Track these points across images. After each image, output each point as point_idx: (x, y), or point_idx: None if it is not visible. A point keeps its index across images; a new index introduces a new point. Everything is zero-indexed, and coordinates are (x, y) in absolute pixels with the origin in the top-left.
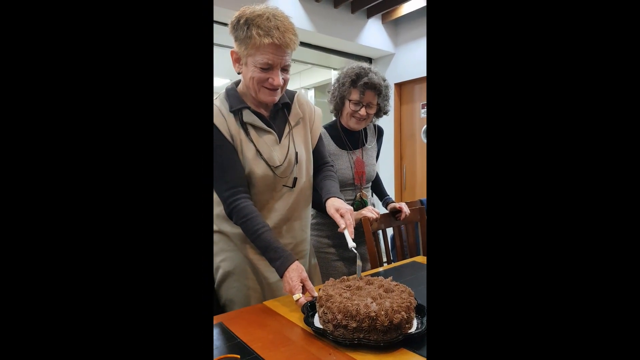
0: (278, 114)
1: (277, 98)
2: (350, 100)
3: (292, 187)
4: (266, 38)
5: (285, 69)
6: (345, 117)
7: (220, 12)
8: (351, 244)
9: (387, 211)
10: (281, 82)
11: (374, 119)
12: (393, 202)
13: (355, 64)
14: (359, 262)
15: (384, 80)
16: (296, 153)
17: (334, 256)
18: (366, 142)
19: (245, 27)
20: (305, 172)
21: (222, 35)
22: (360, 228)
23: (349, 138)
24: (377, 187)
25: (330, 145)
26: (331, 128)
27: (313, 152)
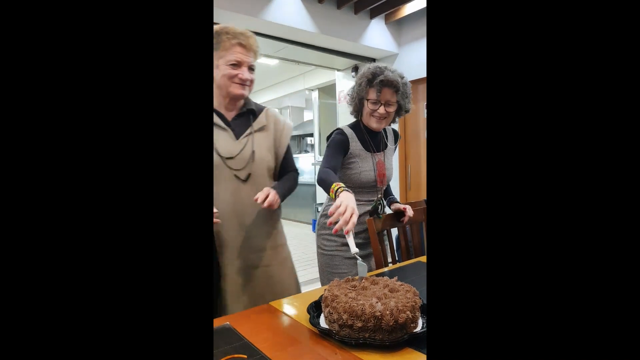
0: (241, 117)
1: (246, 93)
2: (368, 100)
3: (244, 181)
4: (234, 40)
5: (251, 69)
6: (365, 117)
7: (220, 14)
8: (354, 249)
9: (391, 211)
10: (249, 77)
11: (396, 118)
12: (397, 201)
13: (372, 64)
14: (361, 263)
15: (402, 77)
16: (253, 152)
17: (346, 254)
18: (388, 145)
19: (216, 36)
20: (264, 173)
21: None
22: (365, 231)
23: (373, 140)
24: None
25: (356, 146)
26: (355, 129)
27: (282, 161)
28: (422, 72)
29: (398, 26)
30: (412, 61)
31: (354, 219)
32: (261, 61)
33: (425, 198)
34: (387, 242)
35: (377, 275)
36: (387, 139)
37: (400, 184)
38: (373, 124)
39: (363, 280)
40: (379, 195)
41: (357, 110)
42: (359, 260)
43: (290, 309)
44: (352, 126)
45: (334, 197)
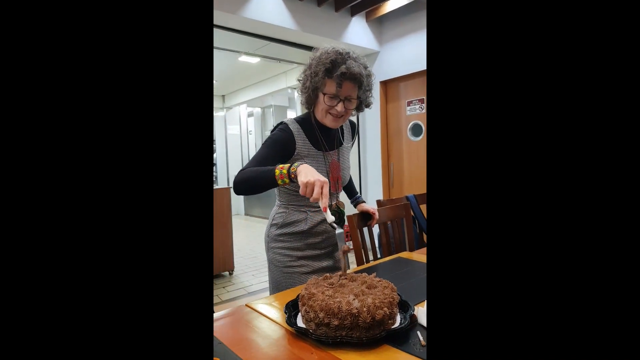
0: None
1: None
2: (325, 94)
3: None
4: None
5: None
6: (320, 113)
7: (220, 16)
8: (330, 218)
9: (357, 211)
10: None
11: (353, 113)
12: (364, 202)
13: (330, 47)
14: (339, 231)
15: (366, 67)
16: None
17: (304, 268)
18: (343, 141)
19: None
20: None
21: (222, 39)
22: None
23: (325, 136)
24: (348, 184)
25: (304, 144)
26: (304, 123)
27: None
28: (403, 70)
29: (379, 24)
30: (393, 59)
31: (326, 190)
32: (242, 59)
33: (407, 195)
34: (368, 239)
35: (356, 272)
36: (342, 134)
37: (383, 182)
38: (328, 122)
39: (341, 278)
40: (334, 203)
41: (310, 102)
42: (337, 230)
43: (268, 309)
44: (301, 120)
45: (287, 181)
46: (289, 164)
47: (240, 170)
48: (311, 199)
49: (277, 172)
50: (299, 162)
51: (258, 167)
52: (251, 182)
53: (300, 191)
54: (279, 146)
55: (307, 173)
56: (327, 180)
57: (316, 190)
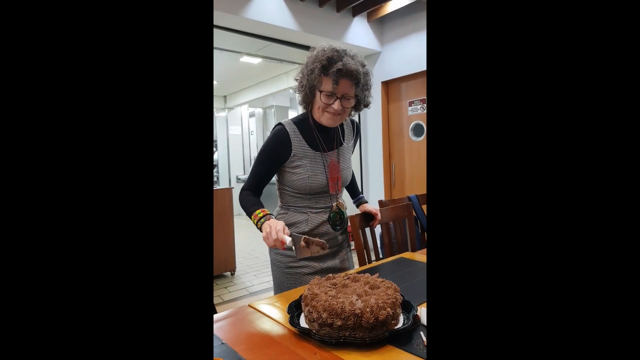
0: None
1: None
2: (321, 92)
3: None
4: None
5: None
6: (317, 111)
7: (221, 17)
8: (287, 240)
9: (359, 212)
10: None
11: (352, 113)
12: (366, 202)
13: (327, 45)
14: (293, 244)
15: (363, 65)
16: None
17: (306, 269)
18: (344, 141)
19: None
20: None
21: (224, 40)
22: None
23: (324, 136)
24: (350, 184)
25: (301, 145)
26: (302, 123)
27: None
28: (405, 70)
29: (380, 24)
30: (395, 59)
31: (279, 227)
32: (244, 60)
33: (409, 195)
34: (370, 239)
35: (359, 272)
36: (343, 134)
37: (385, 182)
38: (325, 120)
39: (345, 278)
40: (334, 204)
41: (307, 101)
42: (293, 246)
43: (270, 309)
44: (298, 120)
45: (259, 228)
46: (262, 214)
47: (242, 190)
48: (273, 246)
49: (252, 218)
50: (265, 220)
51: (249, 191)
52: (244, 209)
53: (264, 237)
54: (270, 158)
55: (265, 231)
56: (274, 223)
57: (268, 243)
